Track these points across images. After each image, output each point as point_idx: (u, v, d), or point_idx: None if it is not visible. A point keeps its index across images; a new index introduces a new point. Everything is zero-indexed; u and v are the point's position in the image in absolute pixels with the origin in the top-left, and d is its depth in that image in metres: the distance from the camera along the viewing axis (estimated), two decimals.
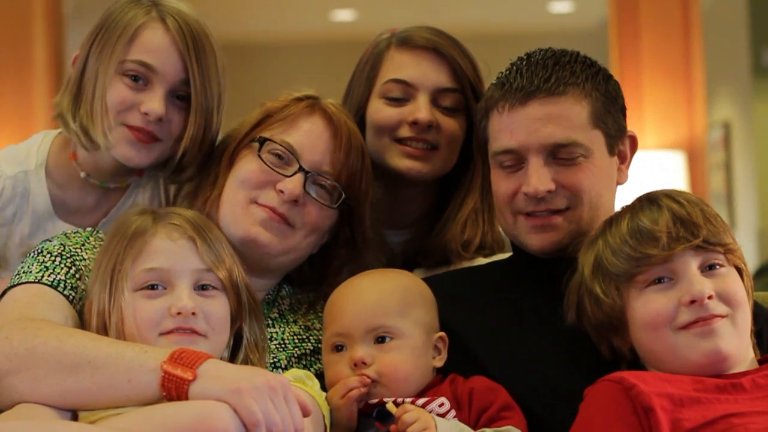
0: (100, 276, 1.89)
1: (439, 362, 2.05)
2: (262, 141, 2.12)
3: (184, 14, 2.22)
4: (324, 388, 1.98)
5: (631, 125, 2.22)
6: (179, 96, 2.20)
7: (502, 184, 2.11)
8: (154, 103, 2.16)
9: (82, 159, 2.29)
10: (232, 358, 1.94)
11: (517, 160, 2.08)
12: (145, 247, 1.89)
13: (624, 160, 2.18)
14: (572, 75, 2.09)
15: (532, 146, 2.06)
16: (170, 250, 1.89)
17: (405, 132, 2.37)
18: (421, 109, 2.36)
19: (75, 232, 2.10)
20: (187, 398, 1.71)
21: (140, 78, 2.18)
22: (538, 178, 2.05)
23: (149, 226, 1.91)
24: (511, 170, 2.09)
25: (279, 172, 2.10)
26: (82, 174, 2.30)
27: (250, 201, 2.11)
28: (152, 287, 1.87)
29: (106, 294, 1.87)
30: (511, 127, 2.07)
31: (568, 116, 2.06)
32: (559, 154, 2.06)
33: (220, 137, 2.25)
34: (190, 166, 2.23)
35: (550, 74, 2.07)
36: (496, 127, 2.11)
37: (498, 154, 2.10)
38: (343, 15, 9.99)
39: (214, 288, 1.91)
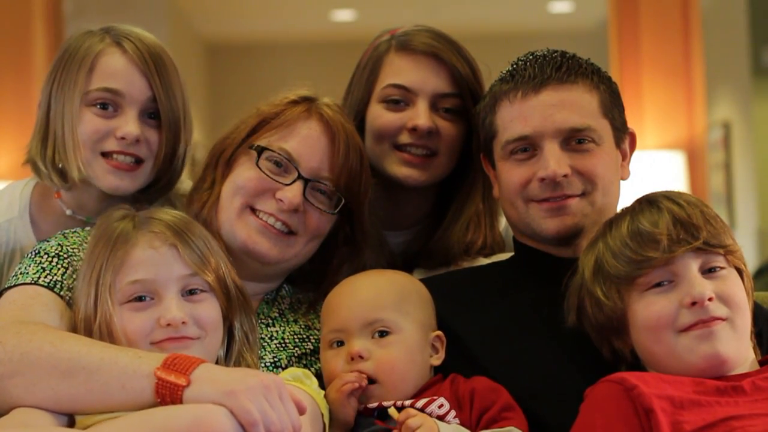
0: (84, 285, 1.88)
1: (437, 361, 2.05)
2: (260, 150, 2.11)
3: (137, 34, 2.25)
4: (323, 386, 1.98)
5: (632, 125, 2.24)
6: (150, 115, 2.22)
7: (514, 172, 2.12)
8: (129, 126, 2.18)
9: (65, 196, 2.30)
10: (227, 355, 1.94)
11: (530, 147, 2.10)
12: (127, 258, 1.86)
13: (625, 157, 2.21)
14: (580, 67, 2.13)
15: (547, 132, 2.07)
16: (153, 260, 1.87)
17: (405, 138, 2.37)
18: (420, 115, 2.35)
19: (73, 232, 2.09)
20: (181, 404, 1.70)
21: (109, 105, 2.20)
22: (556, 161, 2.06)
23: (130, 235, 1.89)
24: (523, 159, 2.11)
25: (278, 181, 2.10)
26: (68, 211, 2.30)
27: (246, 207, 2.10)
28: (139, 299, 1.85)
29: (91, 303, 1.86)
30: (524, 114, 2.09)
31: (580, 103, 2.10)
32: (573, 141, 2.08)
33: (215, 139, 2.24)
34: (161, 179, 2.25)
35: (560, 64, 2.11)
36: (507, 116, 2.12)
37: (510, 143, 2.11)
38: (343, 15, 10.00)
39: (202, 291, 1.89)
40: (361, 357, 1.96)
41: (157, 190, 2.27)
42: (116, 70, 2.20)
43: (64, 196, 2.30)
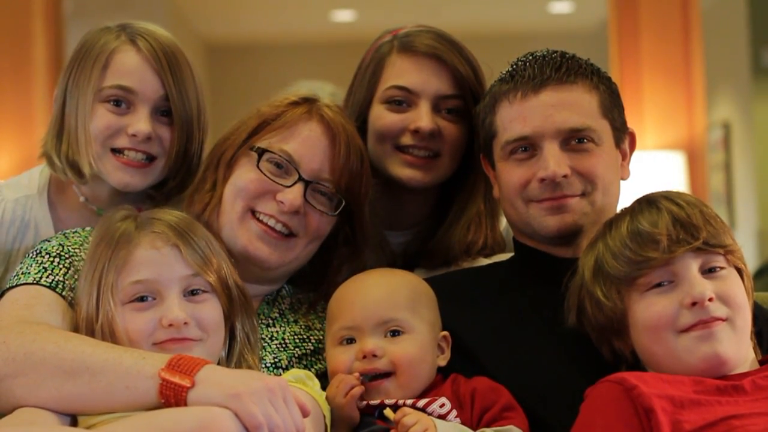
0: (86, 285, 1.88)
1: (443, 361, 2.06)
2: (261, 152, 2.11)
3: (153, 32, 2.27)
4: (325, 386, 1.98)
5: (631, 125, 2.24)
6: (163, 112, 2.25)
7: (514, 173, 2.12)
8: (140, 123, 2.21)
9: (81, 185, 2.32)
10: (228, 355, 1.94)
11: (530, 147, 2.10)
12: (130, 258, 1.87)
13: (625, 156, 2.21)
14: (579, 67, 2.13)
15: (547, 132, 2.08)
16: (155, 260, 1.87)
17: (407, 140, 2.37)
18: (422, 117, 2.35)
19: (74, 232, 2.10)
20: (186, 405, 1.71)
21: (122, 102, 2.23)
22: (556, 161, 2.06)
23: (132, 235, 1.89)
24: (523, 159, 2.11)
25: (278, 183, 2.10)
26: (82, 198, 2.33)
27: (247, 211, 2.10)
28: (141, 299, 1.86)
29: (93, 303, 1.86)
30: (524, 115, 2.09)
31: (580, 104, 2.10)
32: (573, 141, 2.09)
33: (215, 139, 2.25)
34: (174, 178, 2.27)
35: (560, 64, 2.12)
36: (506, 117, 2.12)
37: (510, 143, 2.12)
38: (343, 15, 10.00)
39: (204, 291, 1.89)
40: (374, 356, 1.97)
41: (173, 187, 2.29)
42: (130, 67, 2.23)
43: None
